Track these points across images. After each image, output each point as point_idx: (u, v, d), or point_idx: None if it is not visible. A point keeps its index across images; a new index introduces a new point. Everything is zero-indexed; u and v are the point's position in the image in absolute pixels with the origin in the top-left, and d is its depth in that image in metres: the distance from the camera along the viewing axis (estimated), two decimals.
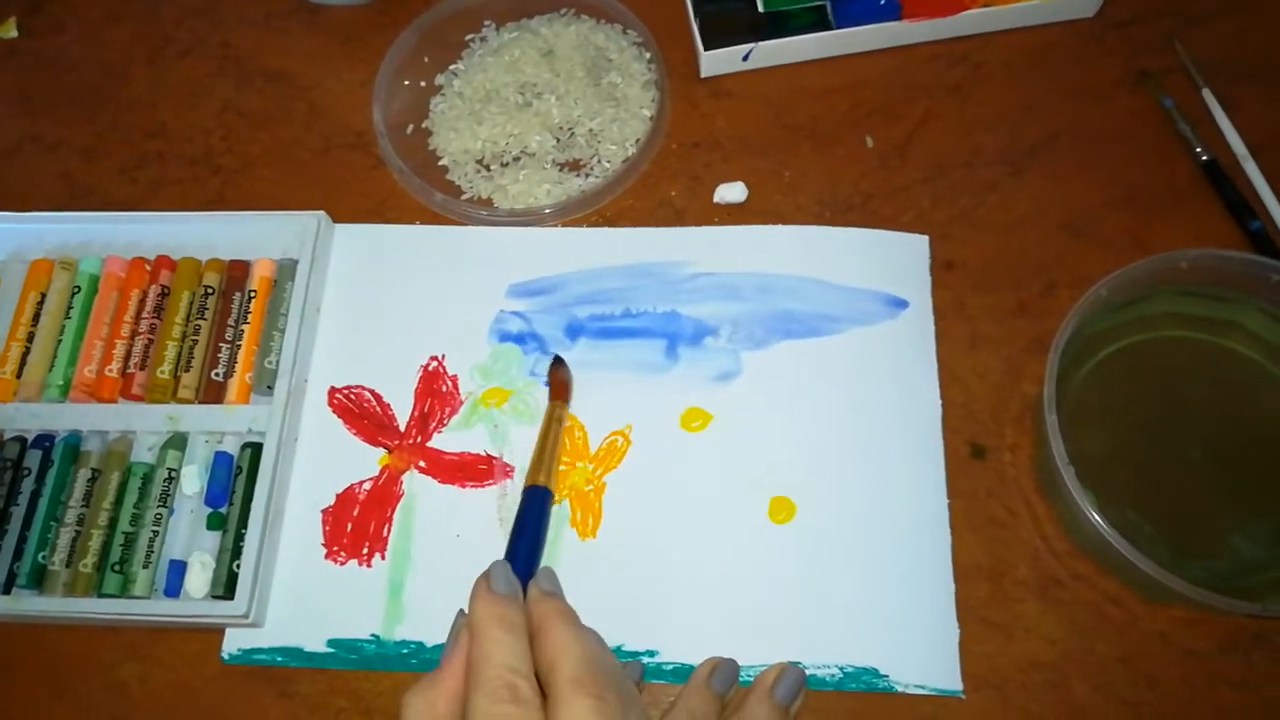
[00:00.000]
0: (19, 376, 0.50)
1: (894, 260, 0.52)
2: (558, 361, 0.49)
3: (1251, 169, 0.53)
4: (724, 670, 0.43)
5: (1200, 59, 0.56)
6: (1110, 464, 0.46)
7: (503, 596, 0.35)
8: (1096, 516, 0.41)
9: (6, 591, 0.46)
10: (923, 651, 0.44)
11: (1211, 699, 0.43)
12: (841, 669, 0.44)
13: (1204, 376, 0.48)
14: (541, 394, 0.50)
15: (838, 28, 0.56)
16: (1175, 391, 0.48)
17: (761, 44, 0.56)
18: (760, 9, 0.57)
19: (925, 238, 0.52)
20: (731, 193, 0.54)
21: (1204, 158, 0.53)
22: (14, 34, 0.62)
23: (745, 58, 0.57)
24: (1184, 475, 0.46)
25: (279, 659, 0.45)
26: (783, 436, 0.48)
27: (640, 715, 0.34)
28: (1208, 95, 0.55)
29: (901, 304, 0.51)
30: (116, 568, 0.46)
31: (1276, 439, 0.47)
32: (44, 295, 0.52)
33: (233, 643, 0.46)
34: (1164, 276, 0.47)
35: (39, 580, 0.46)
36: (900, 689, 0.44)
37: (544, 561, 0.46)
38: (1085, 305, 0.45)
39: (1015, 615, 0.45)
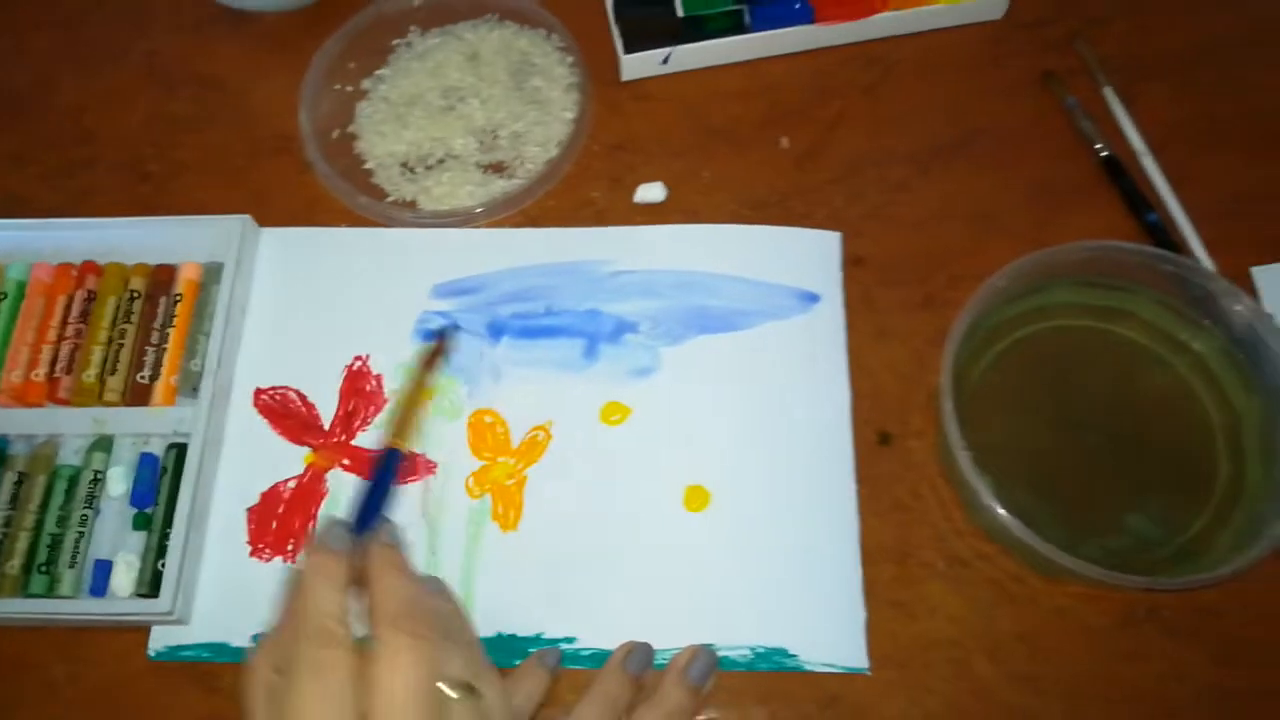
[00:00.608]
0: None
1: (807, 256, 0.53)
2: (446, 333, 0.50)
3: (1149, 164, 0.55)
4: (639, 654, 0.44)
5: (1102, 58, 0.58)
6: (1010, 449, 0.48)
7: (329, 550, 0.37)
8: (992, 500, 0.43)
9: None
10: (830, 631, 0.46)
11: (1107, 671, 0.45)
12: (752, 650, 0.45)
13: (1101, 363, 0.50)
14: (463, 391, 0.51)
15: (754, 32, 0.58)
16: (1073, 378, 0.50)
17: (680, 48, 0.58)
18: (679, 14, 0.59)
19: (837, 234, 0.54)
20: (651, 193, 0.55)
21: (1104, 154, 0.55)
22: None
23: (664, 61, 0.58)
24: (1080, 458, 0.48)
25: (205, 655, 0.46)
26: (698, 428, 0.50)
27: (470, 658, 0.36)
28: (1109, 93, 0.57)
29: (813, 298, 0.52)
30: (43, 569, 0.46)
31: (1168, 422, 0.49)
32: None
33: (159, 640, 0.46)
34: (1060, 268, 0.49)
35: None
36: (808, 668, 0.45)
37: (466, 555, 0.48)
38: (982, 297, 0.47)
39: (919, 595, 0.47)
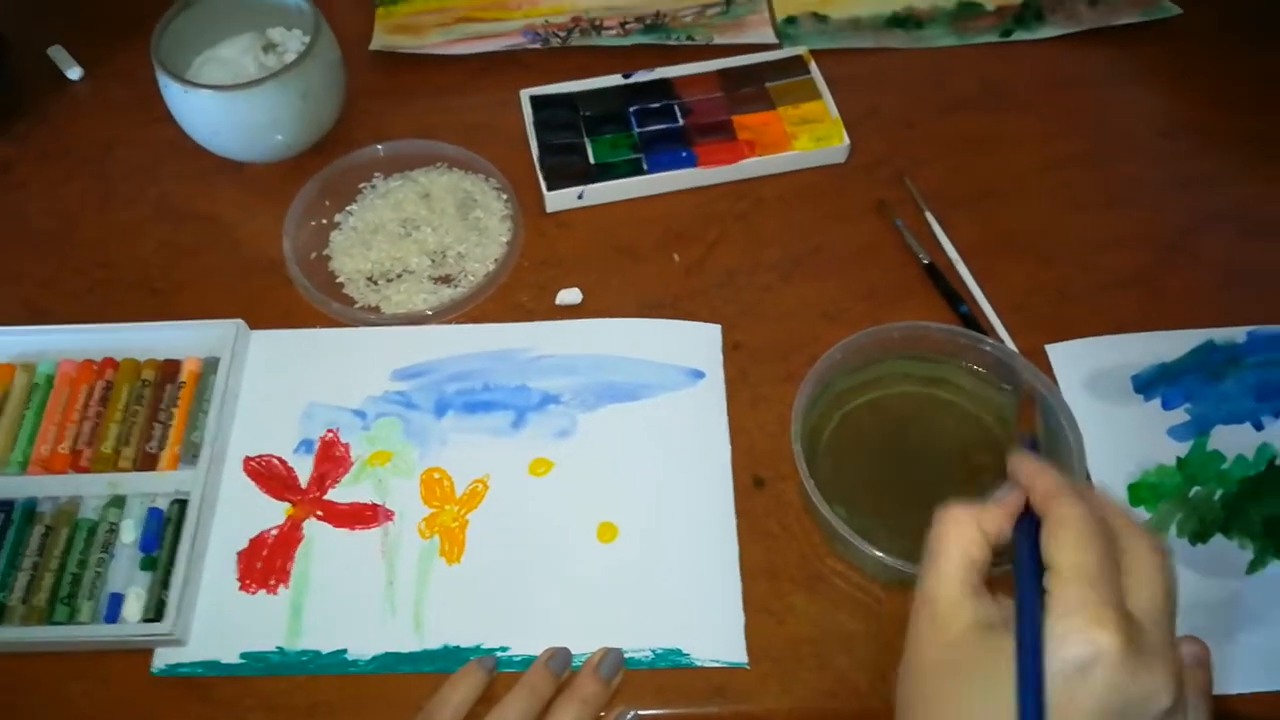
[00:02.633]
0: None
1: (694, 343, 0.67)
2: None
3: (961, 268, 0.70)
4: (559, 656, 0.54)
5: (924, 190, 0.74)
6: (858, 486, 0.60)
7: None
8: (835, 519, 0.55)
9: None
10: (716, 634, 0.56)
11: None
12: (653, 651, 0.56)
13: (925, 418, 0.63)
14: (416, 454, 0.62)
15: (650, 174, 0.73)
16: (905, 430, 0.63)
17: (592, 186, 0.73)
18: (591, 161, 0.74)
19: (718, 326, 0.67)
20: (570, 297, 0.69)
21: (926, 262, 0.71)
22: None
23: (580, 197, 0.73)
24: (911, 491, 0.60)
25: (200, 670, 0.55)
26: (609, 477, 0.61)
27: None
28: (929, 216, 0.73)
29: (700, 375, 0.65)
30: (65, 601, 0.56)
31: (981, 461, 0.62)
32: (7, 391, 0.63)
33: (161, 659, 0.55)
34: (884, 344, 0.63)
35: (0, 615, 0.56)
36: (699, 664, 0.56)
37: (418, 585, 0.58)
38: (822, 366, 0.60)
39: (787, 605, 0.58)
